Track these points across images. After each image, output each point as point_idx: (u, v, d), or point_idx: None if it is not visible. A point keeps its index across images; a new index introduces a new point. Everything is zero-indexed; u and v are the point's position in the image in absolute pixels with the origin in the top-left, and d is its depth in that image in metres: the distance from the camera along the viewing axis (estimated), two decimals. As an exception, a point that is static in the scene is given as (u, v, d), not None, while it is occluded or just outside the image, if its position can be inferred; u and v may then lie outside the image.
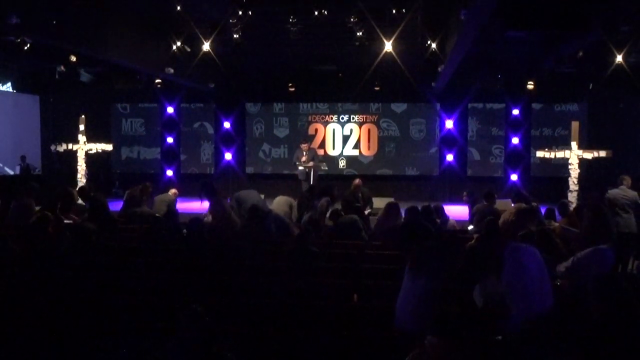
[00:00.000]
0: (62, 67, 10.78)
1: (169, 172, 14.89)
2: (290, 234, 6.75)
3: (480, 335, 2.86)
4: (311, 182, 11.23)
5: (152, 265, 5.44)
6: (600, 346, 2.54)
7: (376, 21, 8.99)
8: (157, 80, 12.21)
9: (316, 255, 5.17)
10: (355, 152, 14.40)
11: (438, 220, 7.93)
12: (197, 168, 14.91)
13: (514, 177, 13.77)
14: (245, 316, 4.10)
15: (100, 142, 12.18)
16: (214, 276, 5.06)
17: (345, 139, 14.39)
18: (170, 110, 14.79)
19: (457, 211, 10.53)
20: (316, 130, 14.40)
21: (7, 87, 13.39)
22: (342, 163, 14.42)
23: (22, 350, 3.55)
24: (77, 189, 9.09)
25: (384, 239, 6.69)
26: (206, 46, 9.76)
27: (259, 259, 5.59)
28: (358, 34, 9.30)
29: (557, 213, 7.60)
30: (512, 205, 7.25)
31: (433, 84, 12.11)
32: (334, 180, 12.03)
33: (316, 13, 8.65)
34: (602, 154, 10.14)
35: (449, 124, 13.93)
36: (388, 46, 9.46)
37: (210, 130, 14.87)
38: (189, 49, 10.24)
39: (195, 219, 6.71)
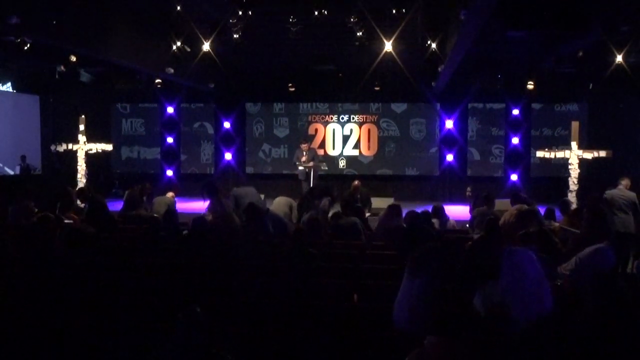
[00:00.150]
0: (62, 67, 10.77)
1: (169, 172, 14.90)
2: (288, 234, 6.75)
3: (480, 335, 2.86)
4: (311, 182, 11.24)
5: (152, 265, 5.44)
6: (598, 345, 2.55)
7: (376, 21, 8.98)
8: (157, 80, 12.21)
9: (313, 256, 5.17)
10: (355, 152, 14.40)
11: (435, 221, 7.96)
12: (197, 168, 14.91)
13: (514, 177, 13.77)
14: (245, 316, 4.10)
15: (100, 142, 12.18)
16: (214, 276, 5.06)
17: (345, 139, 14.39)
18: (170, 110, 14.79)
19: (457, 211, 10.55)
20: (316, 130, 14.40)
21: (7, 87, 13.39)
22: (342, 163, 14.42)
23: (21, 351, 3.55)
24: (76, 189, 9.08)
25: (386, 240, 6.70)
26: (206, 46, 9.76)
27: (256, 259, 5.58)
28: (358, 34, 9.30)
29: (557, 212, 7.61)
30: (512, 207, 7.24)
31: (433, 84, 12.10)
32: (334, 180, 12.05)
33: (316, 13, 8.64)
34: (602, 154, 10.14)
35: (449, 124, 13.93)
36: (388, 46, 9.46)
37: (210, 130, 14.87)
38: (189, 49, 10.24)
39: (199, 218, 6.71)
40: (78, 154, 11.76)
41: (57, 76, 11.08)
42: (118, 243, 6.54)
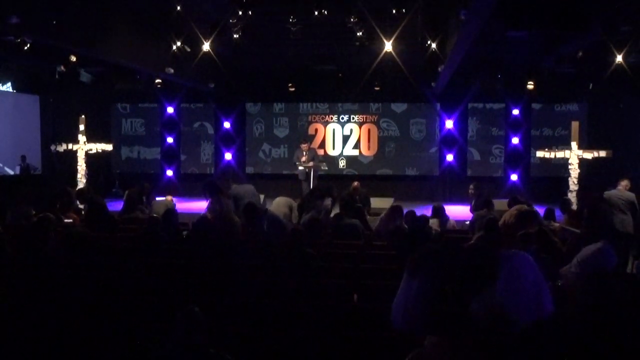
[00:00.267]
0: (62, 67, 10.77)
1: (169, 172, 14.90)
2: (285, 235, 6.72)
3: (480, 336, 2.86)
4: (311, 182, 11.24)
5: (151, 266, 5.44)
6: (599, 345, 2.55)
7: (376, 21, 8.98)
8: (157, 80, 12.20)
9: (311, 257, 5.17)
10: (355, 152, 14.40)
11: (435, 221, 7.96)
12: (197, 168, 14.91)
13: (514, 177, 13.77)
14: (245, 316, 4.10)
15: (100, 142, 12.18)
16: (213, 276, 5.06)
17: (345, 139, 14.39)
18: (170, 110, 14.79)
19: (457, 211, 10.54)
20: (316, 130, 14.40)
21: (7, 87, 13.39)
22: (342, 163, 14.42)
23: (21, 351, 3.55)
24: (75, 190, 9.08)
25: (387, 240, 6.70)
26: (206, 46, 9.75)
27: (253, 259, 5.59)
28: (358, 34, 9.30)
29: (557, 212, 7.62)
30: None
31: (433, 84, 12.11)
32: (334, 180, 12.03)
33: (316, 13, 8.63)
34: (602, 154, 10.14)
35: (449, 124, 13.93)
36: (388, 46, 9.46)
37: (210, 130, 14.87)
38: (189, 49, 10.24)
39: (202, 218, 6.72)
40: (78, 154, 11.76)
41: (57, 76, 11.08)
42: (117, 243, 6.54)
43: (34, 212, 6.93)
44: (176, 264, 5.54)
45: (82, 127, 11.73)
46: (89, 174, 11.92)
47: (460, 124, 13.99)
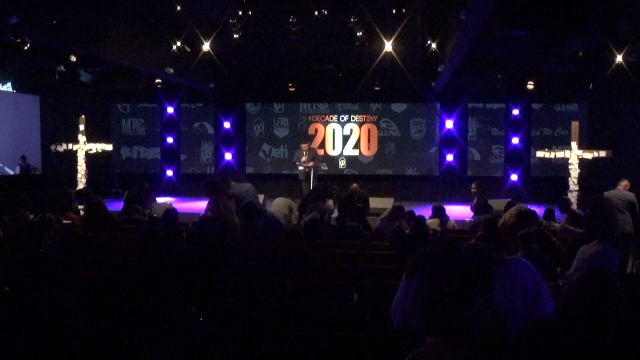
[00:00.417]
0: (62, 67, 10.78)
1: (169, 172, 14.90)
2: (281, 235, 6.70)
3: (480, 336, 2.86)
4: (311, 182, 11.24)
5: (150, 265, 5.44)
6: (598, 345, 2.54)
7: (376, 21, 8.98)
8: (157, 80, 12.21)
9: (309, 257, 5.17)
10: (355, 152, 14.39)
11: (435, 221, 7.96)
12: (197, 168, 14.91)
13: (514, 177, 13.77)
14: (245, 316, 4.10)
15: (100, 142, 12.18)
16: (212, 276, 5.06)
17: (345, 139, 14.39)
18: (170, 110, 14.79)
19: (457, 211, 10.54)
20: (316, 130, 14.40)
21: (7, 87, 13.38)
22: (342, 163, 14.42)
23: (20, 350, 3.55)
24: (75, 190, 9.07)
25: (390, 240, 6.71)
26: (206, 46, 9.75)
27: (249, 258, 5.60)
28: (358, 34, 9.30)
29: (557, 211, 7.62)
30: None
31: (433, 84, 12.11)
32: (334, 180, 12.04)
33: (316, 13, 8.64)
34: (602, 154, 10.14)
35: (449, 124, 13.93)
36: (388, 46, 9.46)
37: (210, 130, 14.87)
38: (189, 49, 10.24)
39: (202, 217, 6.73)
40: (78, 154, 11.76)
41: (57, 76, 11.08)
42: (117, 243, 6.54)
43: (32, 216, 6.92)
44: (176, 264, 5.54)
45: (82, 127, 11.73)
46: (89, 174, 11.91)
47: (460, 124, 13.99)
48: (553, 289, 3.73)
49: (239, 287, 4.76)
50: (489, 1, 5.60)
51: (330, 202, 8.50)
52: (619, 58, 9.25)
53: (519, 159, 13.76)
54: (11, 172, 13.48)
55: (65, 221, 6.73)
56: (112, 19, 8.69)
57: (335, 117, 14.40)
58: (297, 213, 8.92)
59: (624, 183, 7.72)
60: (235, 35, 9.47)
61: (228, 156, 14.69)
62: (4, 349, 3.54)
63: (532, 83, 11.80)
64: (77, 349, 3.58)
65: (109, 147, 12.43)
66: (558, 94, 13.39)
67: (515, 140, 13.77)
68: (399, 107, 14.28)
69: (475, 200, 9.11)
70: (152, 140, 15.10)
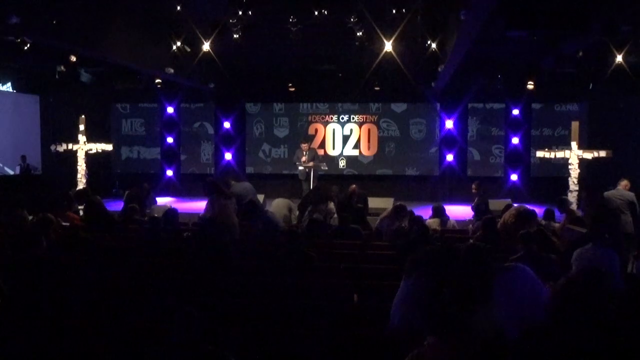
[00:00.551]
0: (62, 67, 10.77)
1: (169, 172, 14.89)
2: (279, 236, 6.67)
3: (480, 336, 2.86)
4: (311, 182, 11.24)
5: (150, 265, 5.45)
6: (599, 345, 2.54)
7: (376, 21, 8.97)
8: (157, 80, 12.20)
9: (309, 257, 5.17)
10: (355, 152, 14.40)
11: (435, 220, 7.95)
12: (197, 168, 14.91)
13: (514, 177, 13.77)
14: (245, 316, 4.10)
15: (100, 142, 12.19)
16: (212, 276, 5.06)
17: (345, 139, 14.39)
18: (170, 110, 14.79)
19: (457, 211, 10.54)
20: (316, 130, 14.40)
21: (7, 87, 13.39)
22: (342, 163, 14.42)
23: (20, 351, 3.55)
24: (74, 191, 9.06)
25: (390, 240, 6.71)
26: (206, 46, 9.75)
27: (247, 259, 5.60)
28: (358, 34, 9.29)
29: (556, 211, 7.62)
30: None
31: (433, 84, 12.10)
32: (334, 180, 12.04)
33: (316, 13, 8.63)
34: (602, 154, 10.14)
35: (449, 124, 13.92)
36: (388, 46, 9.46)
37: (210, 130, 14.87)
38: (189, 49, 10.24)
39: (201, 218, 6.72)
40: (78, 154, 11.76)
41: (57, 76, 11.08)
42: (116, 243, 6.54)
43: (30, 217, 6.91)
44: (176, 264, 5.54)
45: (82, 127, 11.74)
46: (89, 174, 11.92)
47: (460, 124, 13.99)
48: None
49: (238, 287, 4.76)
50: (489, 1, 5.60)
51: (331, 205, 8.51)
52: (619, 58, 9.26)
53: (519, 159, 13.76)
54: (11, 172, 13.49)
55: (64, 223, 6.72)
56: (112, 19, 8.69)
57: (335, 117, 14.40)
58: (297, 213, 8.92)
59: (623, 183, 7.72)
60: (235, 35, 9.46)
61: (228, 156, 14.69)
62: (4, 349, 3.54)
63: (532, 83, 11.78)
64: (77, 349, 3.58)
65: (109, 147, 12.43)
66: (558, 94, 13.39)
67: (515, 140, 13.77)
68: (399, 107, 14.28)
69: (475, 201, 9.12)
70: (152, 140, 15.10)
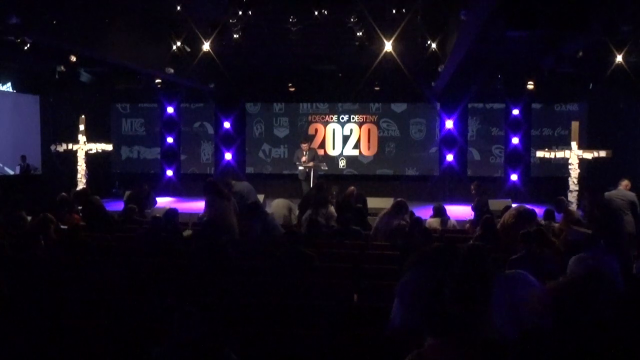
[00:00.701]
0: (62, 67, 10.77)
1: (169, 172, 14.89)
2: (277, 238, 6.64)
3: (480, 337, 2.85)
4: (311, 182, 11.23)
5: (150, 265, 5.44)
6: (599, 345, 2.54)
7: (376, 21, 8.97)
8: (157, 80, 12.20)
9: (309, 257, 5.17)
10: (355, 152, 14.39)
11: (436, 220, 7.95)
12: (197, 168, 14.91)
13: (514, 177, 13.77)
14: (244, 316, 4.10)
15: (100, 142, 12.18)
16: (211, 276, 5.06)
17: (345, 139, 14.39)
18: (170, 110, 14.79)
19: (457, 211, 10.54)
20: (316, 130, 14.40)
21: (7, 87, 13.38)
22: (342, 163, 14.42)
23: (20, 351, 3.55)
24: (73, 193, 9.03)
25: (388, 238, 6.70)
26: (206, 46, 9.75)
27: (246, 259, 5.60)
28: (358, 34, 9.29)
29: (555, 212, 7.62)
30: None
31: (433, 84, 12.10)
32: (333, 180, 12.04)
33: (316, 13, 8.63)
34: (602, 154, 10.14)
35: (449, 124, 13.92)
36: (388, 46, 9.46)
37: (210, 130, 14.87)
38: (189, 49, 10.24)
39: (200, 218, 6.72)
40: (78, 154, 11.76)
41: (57, 76, 11.08)
42: (117, 243, 6.55)
43: (29, 218, 6.91)
44: (176, 264, 5.54)
45: (82, 127, 11.73)
46: (89, 174, 11.91)
47: (460, 124, 13.99)
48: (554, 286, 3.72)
49: (238, 287, 4.76)
50: (489, 1, 5.60)
51: (332, 209, 8.51)
52: (619, 58, 9.26)
53: (519, 159, 13.76)
54: (11, 172, 13.48)
55: (62, 226, 6.71)
56: (112, 19, 8.69)
57: (335, 117, 14.40)
58: (297, 213, 8.92)
59: (624, 183, 7.71)
60: (235, 35, 9.47)
61: (228, 156, 14.69)
62: (4, 349, 3.54)
63: (532, 83, 11.79)
64: (77, 349, 3.58)
65: (109, 147, 12.42)
66: (558, 94, 13.39)
67: (515, 140, 13.77)
68: (399, 107, 14.28)
69: (475, 201, 9.12)
70: (152, 140, 15.10)
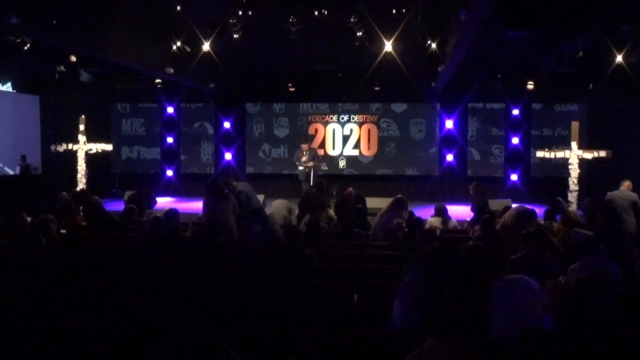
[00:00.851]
0: (62, 67, 10.77)
1: (169, 172, 14.89)
2: (276, 242, 6.62)
3: (480, 337, 2.86)
4: (311, 182, 11.23)
5: (150, 265, 5.45)
6: (599, 346, 2.54)
7: (376, 21, 8.98)
8: (157, 80, 12.20)
9: (310, 258, 5.17)
10: (355, 152, 14.39)
11: (437, 219, 7.94)
12: (197, 168, 14.90)
13: (514, 177, 13.77)
14: (245, 316, 4.10)
15: (100, 142, 12.18)
16: (212, 276, 5.06)
17: (345, 139, 14.39)
18: (170, 110, 14.79)
19: (457, 211, 10.54)
20: (316, 130, 14.40)
21: (7, 87, 13.38)
22: (342, 163, 14.42)
23: (20, 350, 3.55)
24: (72, 193, 9.02)
25: (386, 238, 6.70)
26: (206, 46, 9.76)
27: (245, 259, 5.60)
28: (358, 34, 9.30)
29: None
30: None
31: (433, 84, 12.11)
32: (333, 180, 12.04)
33: (316, 13, 8.64)
34: (602, 154, 10.13)
35: (449, 124, 13.93)
36: (388, 46, 9.46)
37: (210, 130, 14.86)
38: (189, 49, 10.24)
39: (200, 218, 6.72)
40: (78, 154, 11.75)
41: (57, 76, 11.08)
42: (117, 243, 6.55)
43: (29, 220, 6.91)
44: (176, 264, 5.54)
45: (82, 127, 11.73)
46: (89, 174, 11.91)
47: (460, 124, 13.99)
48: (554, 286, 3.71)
49: (238, 287, 4.76)
50: (489, 1, 5.61)
51: (331, 212, 8.50)
52: (619, 58, 9.26)
53: (519, 159, 13.77)
54: (11, 172, 13.48)
55: (62, 231, 6.70)
56: (112, 19, 8.69)
57: (335, 117, 14.40)
58: (297, 212, 8.91)
59: (626, 183, 7.70)
60: (235, 35, 9.47)
61: (228, 156, 14.69)
62: (4, 349, 3.54)
63: (532, 83, 11.80)
64: (77, 349, 3.58)
65: (109, 147, 12.42)
66: (558, 94, 13.40)
67: (515, 140, 13.77)
68: (399, 107, 14.28)
69: (474, 202, 9.12)
70: (152, 140, 15.09)
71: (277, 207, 8.81)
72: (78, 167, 11.77)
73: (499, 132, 14.01)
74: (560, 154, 10.44)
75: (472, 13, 6.29)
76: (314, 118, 14.45)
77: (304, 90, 13.89)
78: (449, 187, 13.64)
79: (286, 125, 14.57)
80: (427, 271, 3.54)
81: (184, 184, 14.52)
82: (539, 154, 10.98)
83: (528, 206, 7.02)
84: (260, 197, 10.84)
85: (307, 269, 5.04)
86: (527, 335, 2.43)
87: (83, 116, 11.84)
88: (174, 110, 14.79)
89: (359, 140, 14.36)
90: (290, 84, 13.58)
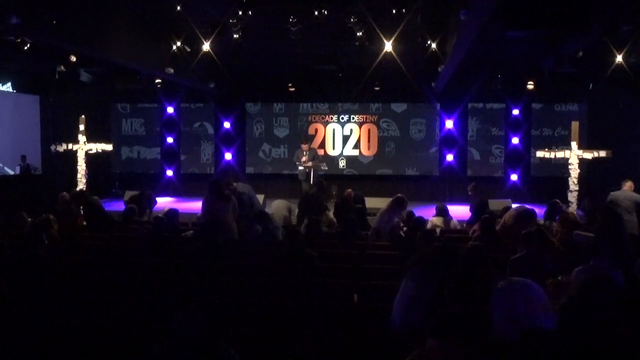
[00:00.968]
0: (62, 67, 10.77)
1: (169, 172, 14.89)
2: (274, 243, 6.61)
3: (480, 337, 2.86)
4: (311, 182, 11.23)
5: (150, 265, 5.44)
6: (599, 346, 2.55)
7: (376, 21, 8.98)
8: (157, 80, 12.19)
9: (310, 258, 5.17)
10: (355, 152, 14.40)
11: (439, 219, 7.93)
12: (197, 168, 14.91)
13: (514, 177, 13.77)
14: (245, 316, 4.10)
15: (100, 142, 12.16)
16: (212, 276, 5.06)
17: (345, 139, 14.39)
18: (170, 110, 14.79)
19: (457, 211, 10.53)
20: (316, 130, 14.40)
21: (7, 87, 13.38)
22: (342, 163, 14.42)
23: (20, 350, 3.55)
24: (71, 194, 9.01)
25: (387, 238, 6.69)
26: (206, 46, 9.75)
27: (245, 259, 5.60)
28: (358, 34, 9.29)
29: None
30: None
31: (433, 84, 12.10)
32: (333, 180, 12.04)
33: (316, 13, 8.63)
34: (602, 154, 10.12)
35: (449, 124, 13.93)
36: (388, 46, 9.46)
37: (210, 130, 14.87)
38: (189, 49, 10.24)
39: (199, 218, 6.71)
40: (78, 154, 11.73)
41: (57, 76, 11.08)
42: (117, 243, 6.55)
43: (29, 220, 6.91)
44: (176, 264, 5.54)
45: (82, 127, 11.71)
46: (89, 174, 11.90)
47: (460, 124, 13.99)
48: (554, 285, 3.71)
49: (238, 287, 4.76)
50: (489, 1, 5.61)
51: (331, 215, 8.50)
52: (619, 58, 9.26)
53: (519, 159, 13.77)
54: (11, 172, 13.48)
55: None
56: (112, 19, 8.69)
57: (335, 117, 14.40)
58: (297, 212, 8.90)
59: (628, 184, 7.68)
60: (235, 35, 9.47)
61: (228, 156, 14.69)
62: (4, 349, 3.54)
63: (532, 83, 11.79)
64: (77, 349, 3.58)
65: (109, 147, 12.40)
66: (558, 94, 13.41)
67: (515, 140, 13.78)
68: (399, 107, 14.28)
69: (473, 202, 9.09)
70: (152, 140, 15.10)
71: (277, 207, 8.80)
72: (78, 167, 11.74)
73: (499, 132, 14.01)
74: (560, 154, 10.43)
75: (472, 13, 6.29)
76: (314, 118, 14.45)
77: (304, 90, 13.90)
78: (448, 187, 13.64)
79: (286, 125, 14.57)
80: (427, 271, 3.55)
81: (184, 184, 14.52)
82: (539, 154, 10.96)
83: (528, 206, 7.02)
84: (260, 197, 10.85)
85: (307, 269, 5.04)
86: (527, 335, 2.43)
87: (83, 116, 11.81)
88: (174, 110, 14.79)
89: (359, 140, 14.36)
90: (290, 84, 13.58)
